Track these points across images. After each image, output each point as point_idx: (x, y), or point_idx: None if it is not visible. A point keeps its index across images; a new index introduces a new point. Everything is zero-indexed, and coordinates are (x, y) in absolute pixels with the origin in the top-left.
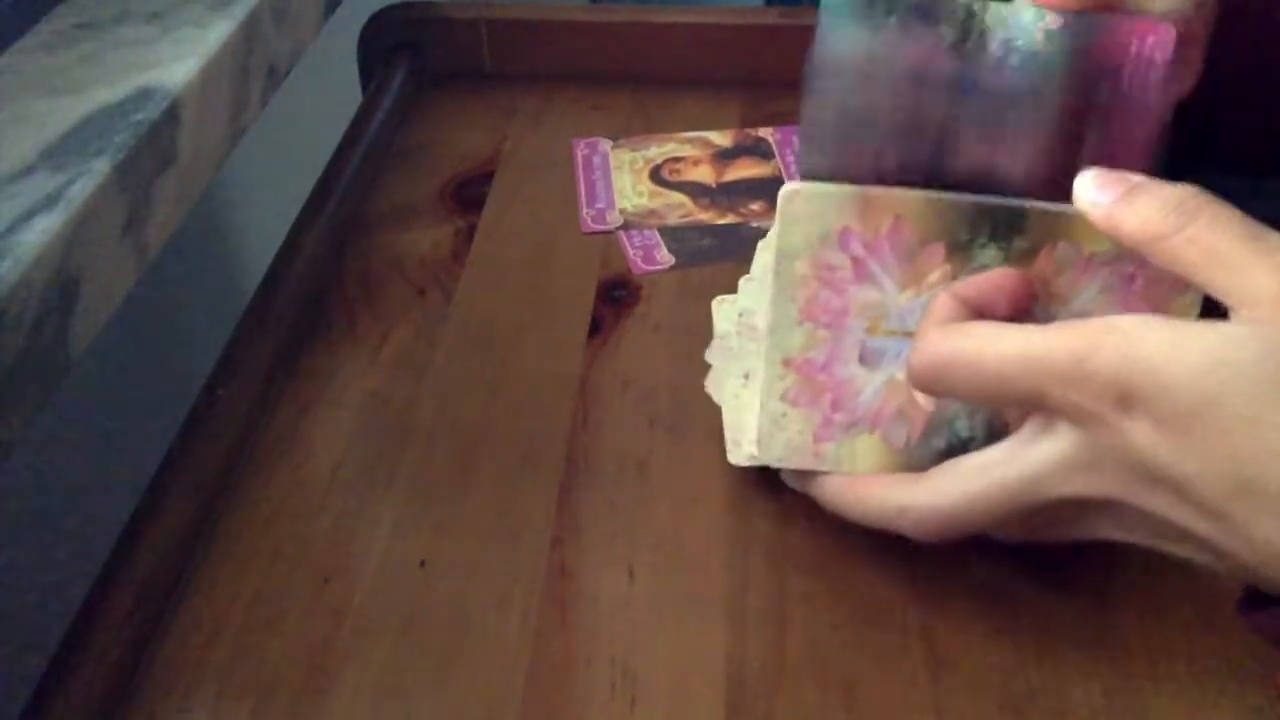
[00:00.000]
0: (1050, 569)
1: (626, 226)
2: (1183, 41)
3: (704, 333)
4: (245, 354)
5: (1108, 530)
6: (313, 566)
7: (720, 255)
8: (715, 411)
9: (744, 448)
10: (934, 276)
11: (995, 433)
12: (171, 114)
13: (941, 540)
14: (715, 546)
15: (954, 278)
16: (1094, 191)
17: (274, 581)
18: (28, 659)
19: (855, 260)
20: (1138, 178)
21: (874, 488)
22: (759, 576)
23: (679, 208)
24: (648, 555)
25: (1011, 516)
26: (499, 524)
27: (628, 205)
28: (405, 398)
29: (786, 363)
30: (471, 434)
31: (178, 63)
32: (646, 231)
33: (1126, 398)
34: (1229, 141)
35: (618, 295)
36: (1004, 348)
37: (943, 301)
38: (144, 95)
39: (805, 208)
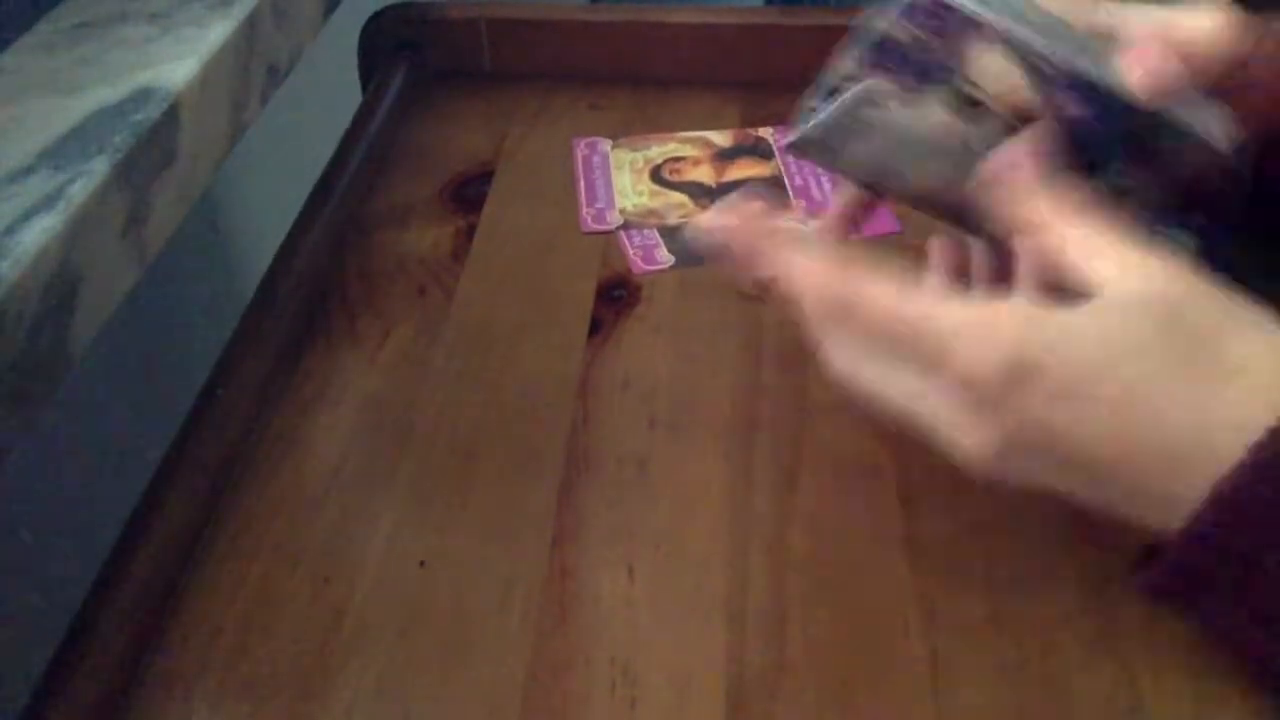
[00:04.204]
0: (1050, 568)
1: (626, 226)
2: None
3: (704, 332)
4: (245, 354)
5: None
6: (313, 566)
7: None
8: (715, 411)
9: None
10: None
11: None
12: (171, 114)
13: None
14: (715, 546)
15: None
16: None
17: (274, 581)
18: (28, 659)
19: None
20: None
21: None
22: (759, 576)
23: (679, 208)
24: (648, 555)
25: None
26: (499, 524)
27: (628, 205)
28: (405, 398)
29: None
30: (471, 434)
31: (178, 63)
32: (646, 231)
33: (1022, 370)
34: None
35: (618, 295)
36: (916, 305)
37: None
38: (144, 95)
39: None
